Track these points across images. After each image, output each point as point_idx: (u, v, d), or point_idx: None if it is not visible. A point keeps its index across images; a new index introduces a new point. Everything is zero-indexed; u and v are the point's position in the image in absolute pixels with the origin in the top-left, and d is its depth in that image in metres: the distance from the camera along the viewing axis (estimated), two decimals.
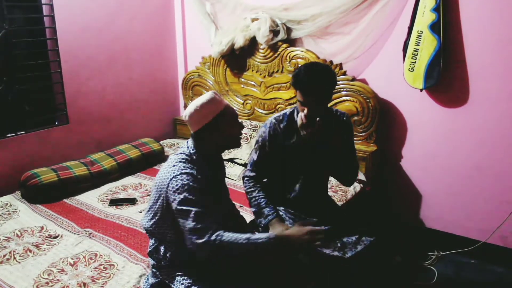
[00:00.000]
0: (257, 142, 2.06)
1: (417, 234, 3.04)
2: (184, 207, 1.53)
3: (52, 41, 3.08)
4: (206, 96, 1.62)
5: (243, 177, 2.11)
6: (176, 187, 1.54)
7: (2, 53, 2.83)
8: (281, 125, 2.01)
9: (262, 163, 2.05)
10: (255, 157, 2.06)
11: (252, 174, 2.07)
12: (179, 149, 1.70)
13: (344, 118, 2.06)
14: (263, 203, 1.99)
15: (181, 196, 1.53)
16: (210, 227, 1.52)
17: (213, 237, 1.50)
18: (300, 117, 1.88)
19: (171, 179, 1.56)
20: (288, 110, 2.06)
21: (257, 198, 2.02)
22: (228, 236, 1.52)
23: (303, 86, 1.80)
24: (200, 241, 1.50)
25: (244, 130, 3.29)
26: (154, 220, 1.66)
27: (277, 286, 1.77)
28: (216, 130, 1.63)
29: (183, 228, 1.55)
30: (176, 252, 1.67)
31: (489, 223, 2.75)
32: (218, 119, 1.61)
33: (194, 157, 1.64)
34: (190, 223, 1.52)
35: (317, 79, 1.79)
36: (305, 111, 1.85)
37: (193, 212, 1.52)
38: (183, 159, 1.62)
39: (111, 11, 3.41)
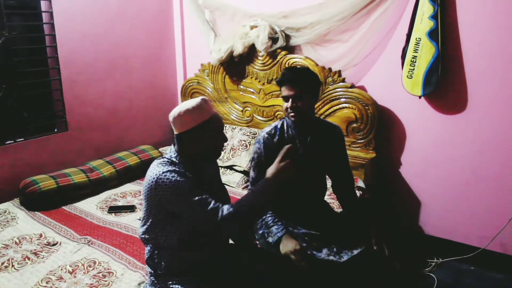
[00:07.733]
0: (253, 159, 2.05)
1: (416, 241, 3.04)
2: (186, 201, 1.55)
3: (52, 48, 3.09)
4: (193, 102, 1.59)
5: None
6: (166, 186, 1.54)
7: (1, 60, 2.83)
8: (275, 140, 2.01)
9: (262, 178, 2.05)
10: (253, 174, 2.05)
11: None
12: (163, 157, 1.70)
13: (337, 131, 2.13)
14: (270, 221, 1.98)
15: (171, 193, 1.54)
16: (217, 206, 1.55)
17: (225, 211, 1.54)
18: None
19: (156, 180, 1.55)
20: (277, 123, 2.07)
21: (263, 217, 2.01)
22: (236, 203, 1.59)
23: (287, 78, 1.93)
24: (217, 220, 1.54)
25: (243, 137, 3.30)
26: (146, 226, 1.65)
27: None
28: (198, 138, 1.60)
29: (197, 220, 1.58)
30: (170, 259, 1.66)
31: (489, 230, 2.75)
32: (201, 127, 1.59)
33: (176, 161, 1.64)
34: (200, 212, 1.55)
35: (298, 70, 2.03)
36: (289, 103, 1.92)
37: (195, 202, 1.54)
38: (164, 161, 1.63)
39: (110, 18, 3.43)
